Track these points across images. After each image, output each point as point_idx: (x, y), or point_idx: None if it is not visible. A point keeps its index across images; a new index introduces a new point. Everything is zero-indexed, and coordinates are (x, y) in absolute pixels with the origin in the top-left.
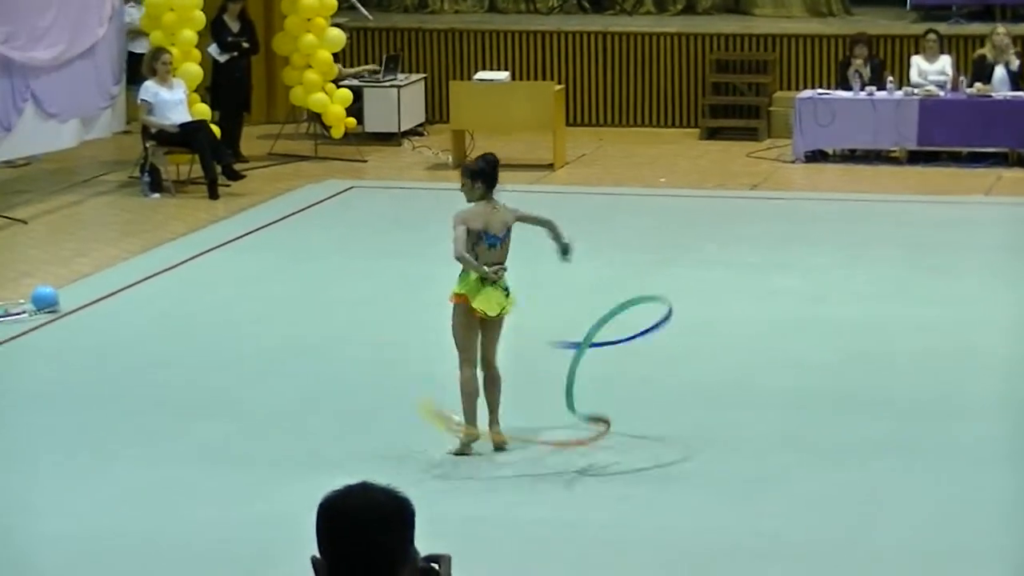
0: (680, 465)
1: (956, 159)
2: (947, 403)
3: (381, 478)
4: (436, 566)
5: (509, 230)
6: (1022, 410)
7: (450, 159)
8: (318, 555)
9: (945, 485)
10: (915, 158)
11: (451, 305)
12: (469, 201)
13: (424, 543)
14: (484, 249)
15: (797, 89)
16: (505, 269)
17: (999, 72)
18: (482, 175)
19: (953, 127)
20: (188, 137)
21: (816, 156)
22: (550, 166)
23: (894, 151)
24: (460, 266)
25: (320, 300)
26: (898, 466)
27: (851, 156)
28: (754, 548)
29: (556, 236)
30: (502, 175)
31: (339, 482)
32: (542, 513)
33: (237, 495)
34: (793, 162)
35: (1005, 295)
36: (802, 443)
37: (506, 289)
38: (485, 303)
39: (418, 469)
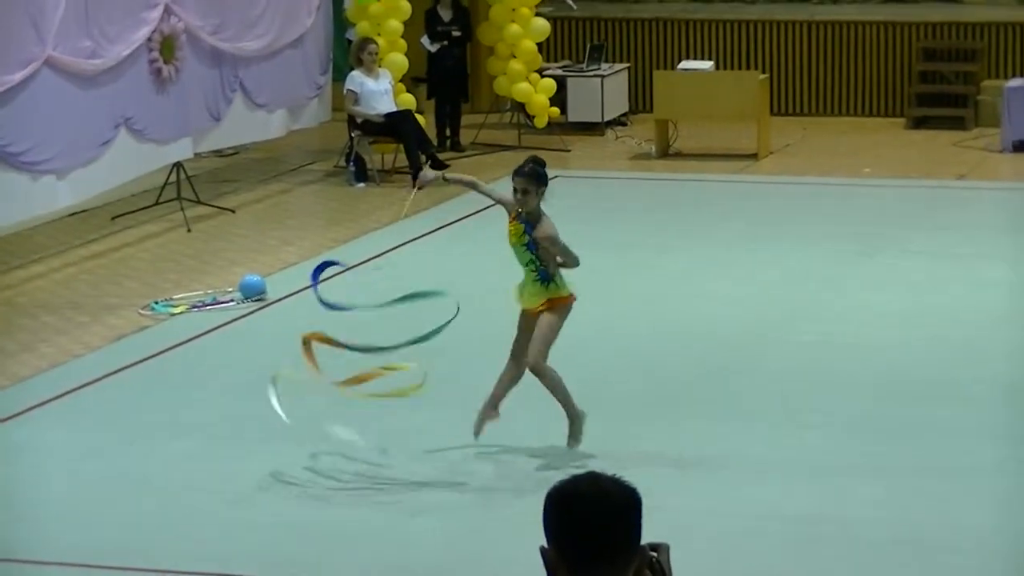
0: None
1: None
2: None
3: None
4: (655, 555)
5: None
6: None
7: (653, 149)
8: (547, 546)
9: None
10: None
11: (562, 307)
12: (534, 207)
13: None
14: None
15: (1006, 78)
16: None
17: None
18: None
19: None
20: (393, 127)
21: None
22: (754, 156)
23: None
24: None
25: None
26: None
27: None
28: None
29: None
30: (706, 164)
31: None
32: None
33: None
34: (1001, 151)
35: None
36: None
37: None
38: None
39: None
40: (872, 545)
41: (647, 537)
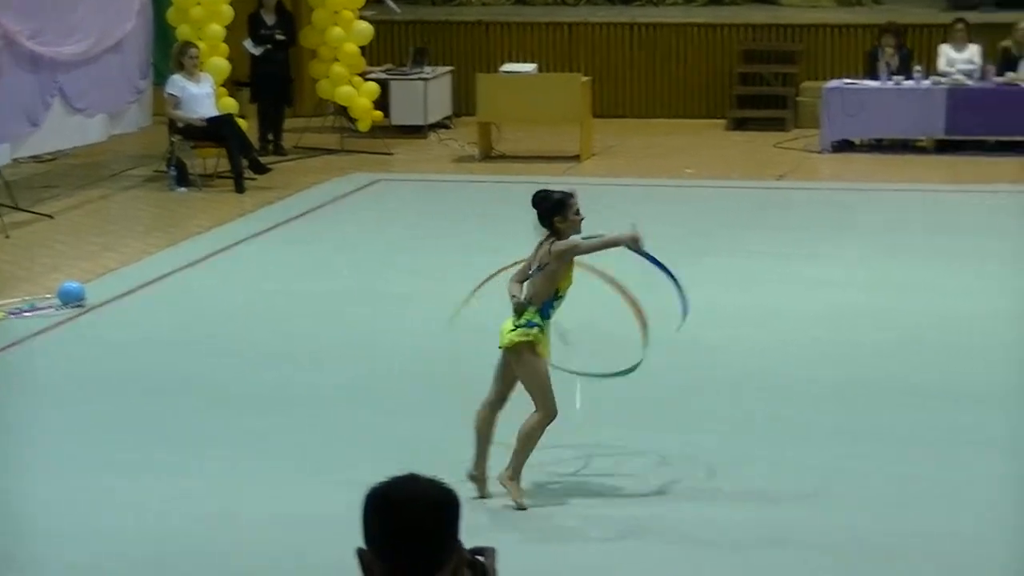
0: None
1: (983, 148)
2: (986, 391)
3: (426, 470)
4: (481, 558)
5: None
6: None
7: (476, 151)
8: (363, 547)
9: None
10: (942, 147)
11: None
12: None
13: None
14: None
15: (825, 79)
16: (519, 302)
17: (1023, 66)
18: None
19: (981, 116)
20: (215, 131)
21: (843, 146)
22: (576, 157)
23: (921, 140)
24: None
25: (352, 292)
26: (964, 453)
27: (878, 146)
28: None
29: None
30: (529, 166)
31: (385, 476)
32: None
33: (272, 490)
34: (820, 152)
35: None
36: (855, 432)
37: (517, 324)
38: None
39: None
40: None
41: None
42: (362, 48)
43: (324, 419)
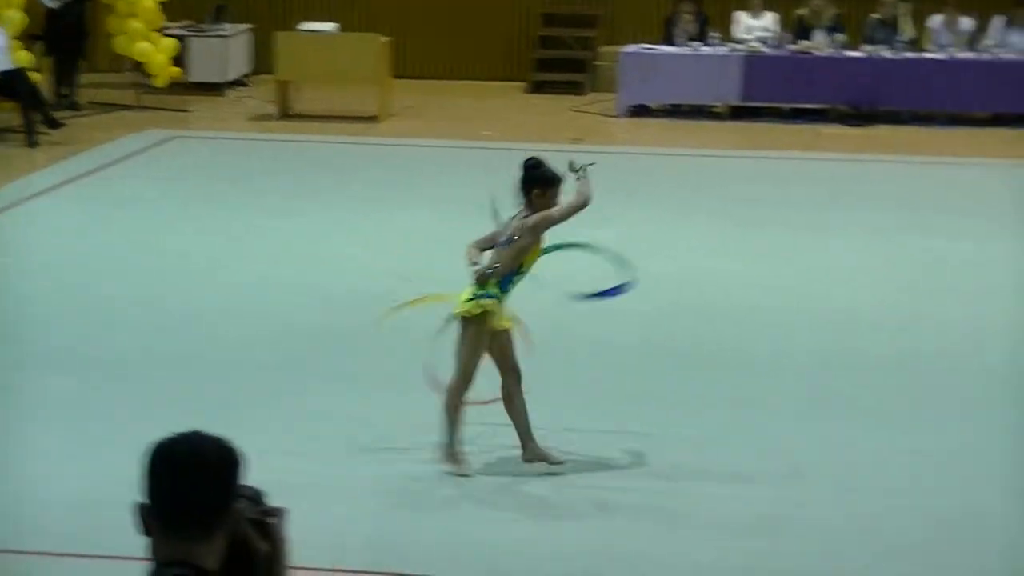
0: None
1: (778, 115)
2: (773, 355)
3: (220, 430)
4: (273, 519)
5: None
6: (828, 362)
7: (274, 110)
8: (143, 502)
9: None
10: (738, 113)
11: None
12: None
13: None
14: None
15: (622, 44)
16: (482, 272)
17: (817, 35)
18: None
19: (776, 83)
20: (7, 85)
21: (640, 111)
22: (375, 118)
23: (717, 106)
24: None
25: (144, 249)
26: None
27: (674, 111)
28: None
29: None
30: (326, 126)
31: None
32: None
33: (80, 448)
34: (616, 116)
35: (826, 248)
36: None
37: (474, 294)
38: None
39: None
40: None
41: None
42: (161, 4)
43: (116, 378)
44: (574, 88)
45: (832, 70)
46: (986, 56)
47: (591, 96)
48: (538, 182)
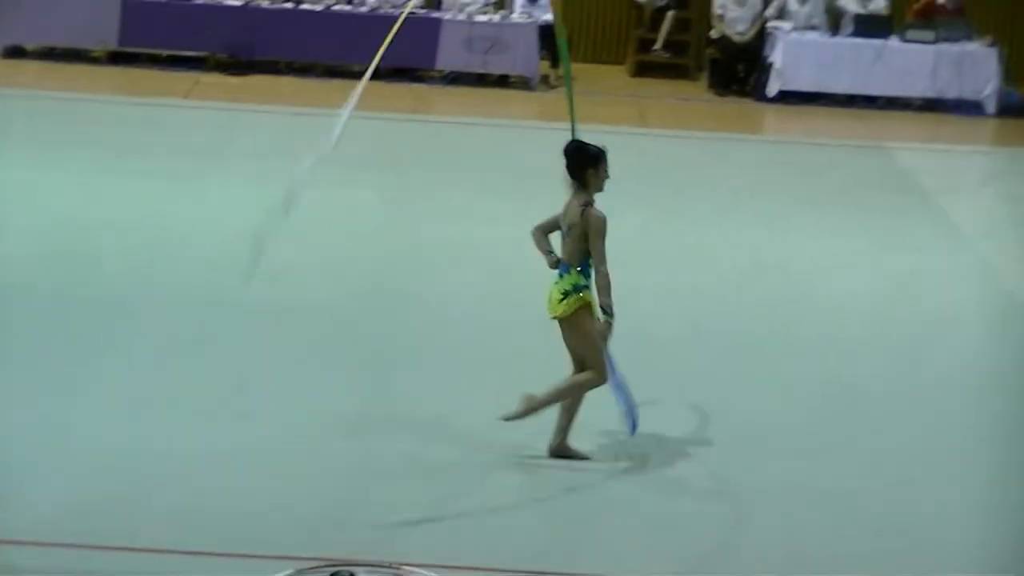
0: None
1: (157, 62)
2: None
3: None
4: None
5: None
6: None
7: None
8: None
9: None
10: (118, 59)
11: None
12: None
13: None
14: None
15: None
16: (554, 259)
17: None
18: None
19: (155, 29)
20: None
21: (16, 52)
22: None
23: (95, 50)
24: None
25: None
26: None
27: (51, 54)
28: None
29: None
30: None
31: None
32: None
33: None
34: None
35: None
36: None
37: (565, 292)
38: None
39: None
40: None
41: None
42: None
43: None
44: None
45: (212, 18)
46: (363, 9)
47: None
48: (590, 164)
